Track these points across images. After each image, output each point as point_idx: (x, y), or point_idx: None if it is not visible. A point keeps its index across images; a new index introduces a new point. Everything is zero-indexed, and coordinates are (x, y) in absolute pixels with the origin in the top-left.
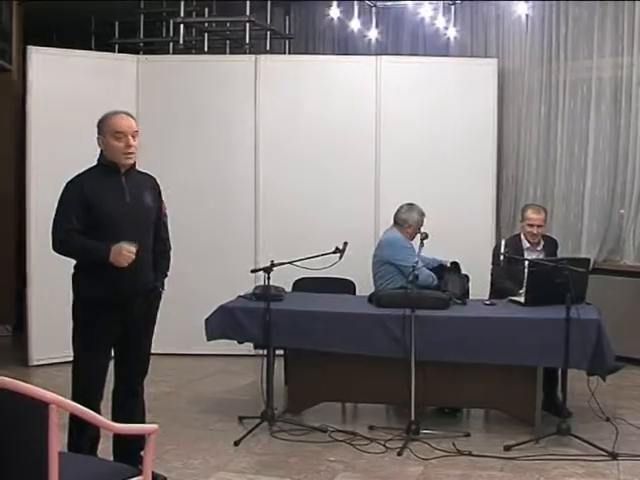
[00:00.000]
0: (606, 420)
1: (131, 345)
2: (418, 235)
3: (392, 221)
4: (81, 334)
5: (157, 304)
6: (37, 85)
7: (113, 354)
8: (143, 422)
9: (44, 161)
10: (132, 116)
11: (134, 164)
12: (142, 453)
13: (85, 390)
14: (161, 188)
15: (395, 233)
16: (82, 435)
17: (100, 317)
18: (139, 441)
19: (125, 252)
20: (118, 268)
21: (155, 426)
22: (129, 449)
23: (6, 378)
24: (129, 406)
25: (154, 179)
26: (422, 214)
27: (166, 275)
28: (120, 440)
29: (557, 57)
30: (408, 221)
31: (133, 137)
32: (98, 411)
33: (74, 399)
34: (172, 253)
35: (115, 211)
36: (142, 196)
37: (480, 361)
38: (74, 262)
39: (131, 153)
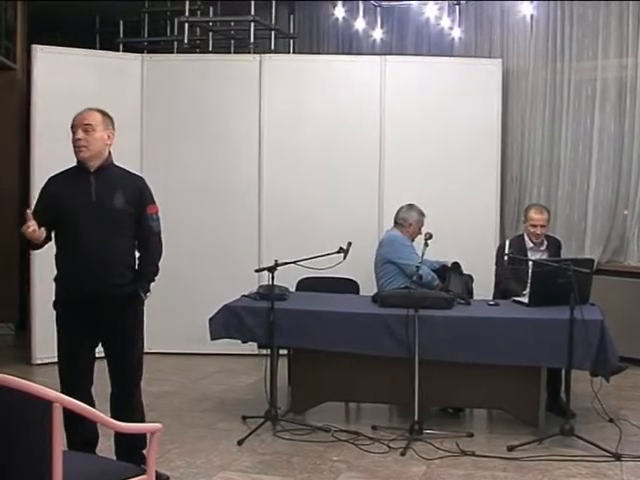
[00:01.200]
0: (609, 421)
1: (115, 349)
2: (421, 235)
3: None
4: (57, 335)
5: (138, 308)
6: (42, 84)
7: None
8: (142, 422)
9: (48, 159)
10: (100, 110)
11: (107, 162)
12: (144, 452)
13: (67, 390)
14: (151, 189)
15: (395, 232)
16: (70, 431)
17: (69, 318)
18: (141, 440)
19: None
20: (77, 269)
21: (158, 425)
22: (131, 448)
23: (10, 376)
24: (126, 408)
25: (139, 180)
26: (422, 214)
27: (149, 279)
28: (122, 439)
29: (562, 58)
30: (408, 220)
31: (85, 130)
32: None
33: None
34: (176, 252)
35: (77, 210)
36: (111, 196)
37: (484, 361)
38: None
39: (80, 146)
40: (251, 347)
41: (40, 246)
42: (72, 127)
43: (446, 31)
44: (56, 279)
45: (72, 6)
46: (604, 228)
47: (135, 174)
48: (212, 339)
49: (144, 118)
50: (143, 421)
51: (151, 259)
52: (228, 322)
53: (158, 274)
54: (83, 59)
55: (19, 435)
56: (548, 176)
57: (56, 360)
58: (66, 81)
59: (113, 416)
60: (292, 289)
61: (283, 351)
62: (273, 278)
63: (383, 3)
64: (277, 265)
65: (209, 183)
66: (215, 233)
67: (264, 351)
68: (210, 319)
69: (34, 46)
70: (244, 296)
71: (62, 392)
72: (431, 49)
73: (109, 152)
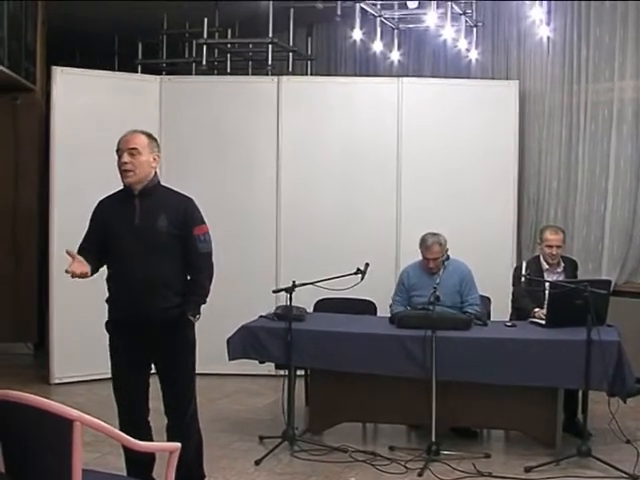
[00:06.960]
0: (627, 442)
1: (162, 374)
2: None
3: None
4: (110, 356)
5: (186, 332)
6: (61, 104)
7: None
8: (197, 468)
9: (67, 181)
10: (146, 133)
11: (152, 184)
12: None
13: (120, 412)
14: (199, 209)
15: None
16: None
17: (117, 340)
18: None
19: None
20: (122, 293)
21: (178, 444)
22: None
23: (31, 395)
24: (179, 439)
25: (185, 201)
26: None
27: (196, 301)
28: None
29: (578, 79)
30: None
31: (130, 154)
32: (139, 432)
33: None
34: None
35: (122, 234)
36: (155, 219)
37: (501, 382)
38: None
39: (126, 170)
40: (268, 367)
41: (90, 275)
42: (117, 150)
43: (463, 53)
44: (107, 301)
45: (91, 27)
46: (621, 249)
47: (182, 194)
48: (230, 359)
49: (162, 139)
50: (199, 454)
51: (198, 280)
52: (246, 342)
53: (208, 296)
54: (102, 80)
55: (39, 454)
56: (565, 197)
57: (74, 380)
58: (85, 102)
59: None
60: (310, 310)
61: (300, 371)
62: (291, 299)
63: (400, 25)
64: (295, 286)
65: (227, 203)
66: (233, 253)
67: (281, 371)
68: (228, 339)
69: (54, 67)
70: (262, 317)
71: (118, 412)
72: (448, 71)
73: (155, 173)
